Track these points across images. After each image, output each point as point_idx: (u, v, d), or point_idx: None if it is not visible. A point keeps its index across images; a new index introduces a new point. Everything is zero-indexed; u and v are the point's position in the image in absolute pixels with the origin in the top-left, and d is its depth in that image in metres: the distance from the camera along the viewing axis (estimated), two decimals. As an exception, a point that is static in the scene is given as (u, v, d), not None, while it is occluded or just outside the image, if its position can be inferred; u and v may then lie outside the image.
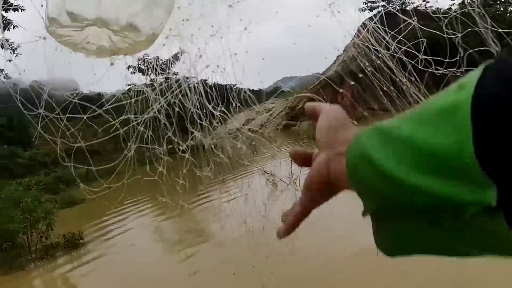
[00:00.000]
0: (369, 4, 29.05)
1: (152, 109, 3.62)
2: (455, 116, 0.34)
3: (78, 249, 8.67)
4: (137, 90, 3.73)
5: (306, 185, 0.56)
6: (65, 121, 3.21)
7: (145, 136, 3.73)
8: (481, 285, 4.46)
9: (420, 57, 3.17)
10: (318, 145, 0.56)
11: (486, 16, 2.90)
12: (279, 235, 0.62)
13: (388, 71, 3.31)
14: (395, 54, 3.22)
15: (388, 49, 3.21)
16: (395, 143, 0.39)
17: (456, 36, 3.11)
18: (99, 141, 4.16)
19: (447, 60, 3.07)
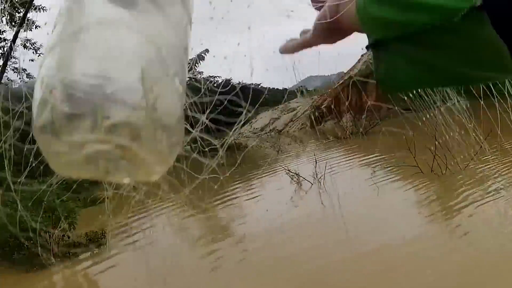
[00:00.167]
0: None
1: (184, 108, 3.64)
2: None
3: (100, 247, 8.74)
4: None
5: (317, 19, 0.62)
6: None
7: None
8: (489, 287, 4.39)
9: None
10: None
11: None
12: (280, 49, 0.71)
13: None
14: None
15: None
16: None
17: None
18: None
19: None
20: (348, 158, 12.71)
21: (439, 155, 8.00)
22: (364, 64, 19.88)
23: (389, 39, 0.49)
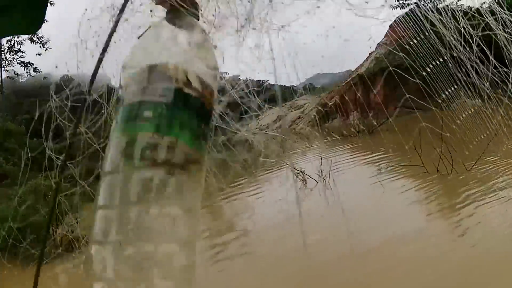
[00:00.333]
0: (401, 2, 28.55)
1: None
2: None
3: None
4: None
5: None
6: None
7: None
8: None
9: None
10: None
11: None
12: None
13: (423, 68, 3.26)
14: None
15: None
16: None
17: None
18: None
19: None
20: (353, 156, 12.70)
21: (445, 155, 7.98)
22: (372, 62, 19.84)
23: None
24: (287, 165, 10.90)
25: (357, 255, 5.36)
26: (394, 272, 4.88)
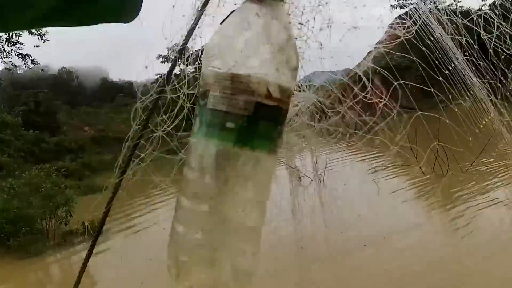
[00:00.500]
0: (401, 2, 28.57)
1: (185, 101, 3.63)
2: None
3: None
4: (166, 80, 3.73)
5: None
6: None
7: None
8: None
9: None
10: None
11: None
12: None
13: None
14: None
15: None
16: None
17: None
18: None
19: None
20: (349, 155, 12.69)
21: (441, 156, 7.99)
22: (371, 61, 19.84)
23: None
24: (282, 163, 10.93)
25: (351, 252, 5.38)
26: (389, 265, 4.90)
